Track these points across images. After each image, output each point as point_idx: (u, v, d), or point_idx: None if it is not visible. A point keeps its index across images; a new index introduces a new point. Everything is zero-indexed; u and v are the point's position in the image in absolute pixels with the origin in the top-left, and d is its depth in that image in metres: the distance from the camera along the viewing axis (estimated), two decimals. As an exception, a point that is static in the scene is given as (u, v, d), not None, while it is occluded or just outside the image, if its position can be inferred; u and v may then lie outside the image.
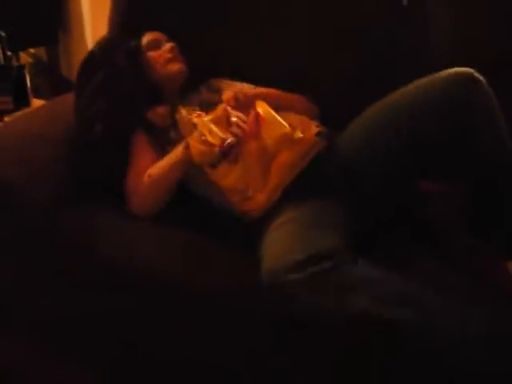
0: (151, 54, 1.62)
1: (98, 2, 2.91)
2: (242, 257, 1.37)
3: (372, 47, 1.73)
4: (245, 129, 1.39)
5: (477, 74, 1.24)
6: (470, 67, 1.26)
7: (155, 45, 1.64)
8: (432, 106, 1.26)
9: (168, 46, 1.63)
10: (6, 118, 1.96)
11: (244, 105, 1.45)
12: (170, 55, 1.59)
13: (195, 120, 1.44)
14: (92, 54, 1.66)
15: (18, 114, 1.99)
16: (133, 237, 1.43)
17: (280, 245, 1.22)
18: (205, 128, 1.38)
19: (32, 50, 3.70)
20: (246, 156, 1.40)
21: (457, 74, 1.25)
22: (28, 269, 1.51)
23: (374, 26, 1.73)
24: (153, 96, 1.57)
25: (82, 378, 1.52)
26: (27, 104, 2.08)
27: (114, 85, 1.55)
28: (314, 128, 1.43)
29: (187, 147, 1.40)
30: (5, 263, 1.54)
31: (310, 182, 1.39)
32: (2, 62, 2.02)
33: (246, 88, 1.60)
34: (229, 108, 1.41)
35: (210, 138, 1.36)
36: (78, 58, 3.25)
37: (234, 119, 1.39)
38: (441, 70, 1.29)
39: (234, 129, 1.38)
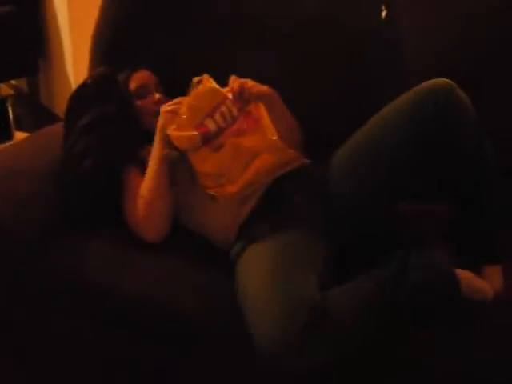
0: (139, 103, 1.63)
1: (78, 30, 2.91)
2: (225, 283, 1.36)
3: (349, 69, 1.75)
4: (228, 123, 1.43)
5: (450, 81, 1.30)
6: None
7: (143, 92, 1.65)
8: (418, 114, 1.30)
9: (155, 97, 1.63)
10: (-11, 152, 1.92)
11: (245, 99, 1.46)
12: (156, 108, 1.56)
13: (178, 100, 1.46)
14: (84, 89, 1.65)
15: (1, 147, 1.95)
16: (121, 265, 1.42)
17: (262, 309, 1.19)
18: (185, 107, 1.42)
19: (13, 82, 3.67)
20: (228, 148, 1.42)
21: (437, 83, 1.30)
22: (17, 299, 1.49)
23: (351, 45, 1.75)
24: (144, 137, 1.57)
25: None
26: (9, 137, 2.04)
27: (104, 128, 1.55)
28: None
29: (161, 132, 1.44)
30: None
31: (287, 205, 1.42)
32: (-17, 96, 1.98)
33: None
34: (229, 96, 1.44)
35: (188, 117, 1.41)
36: (59, 86, 3.31)
37: (223, 109, 1.42)
38: (414, 86, 1.34)
39: (218, 118, 1.42)
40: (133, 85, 1.65)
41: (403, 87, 1.40)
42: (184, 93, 1.48)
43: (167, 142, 1.45)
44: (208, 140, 1.43)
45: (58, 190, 1.54)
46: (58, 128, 1.72)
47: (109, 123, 1.55)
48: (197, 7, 1.84)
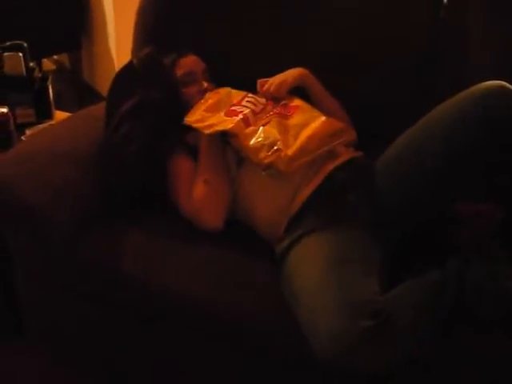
0: (186, 90, 1.58)
1: (121, 6, 2.88)
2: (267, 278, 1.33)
3: (411, 60, 1.67)
4: (259, 107, 1.49)
5: (507, 84, 1.21)
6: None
7: (189, 79, 1.60)
8: (465, 123, 1.22)
9: (203, 86, 1.58)
10: (28, 131, 1.90)
11: (276, 96, 1.52)
12: (201, 97, 1.54)
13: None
14: (129, 71, 1.60)
15: (41, 126, 1.92)
16: (158, 257, 1.38)
17: (321, 308, 1.14)
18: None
19: (55, 57, 3.67)
20: (274, 123, 1.43)
21: (487, 88, 1.22)
22: (52, 288, 1.50)
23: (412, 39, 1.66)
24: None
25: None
26: (50, 116, 2.00)
27: (149, 113, 1.50)
28: None
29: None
30: (30, 283, 1.55)
31: (340, 203, 1.36)
32: (24, 73, 1.94)
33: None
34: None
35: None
36: (101, 63, 3.29)
37: (248, 99, 1.52)
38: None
39: (246, 103, 1.49)
40: (179, 71, 1.60)
41: (466, 80, 1.31)
42: (234, 83, 1.52)
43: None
44: (249, 122, 1.44)
45: (99, 175, 1.50)
46: (99, 109, 1.68)
47: (153, 109, 1.50)
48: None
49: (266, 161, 1.35)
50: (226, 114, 1.46)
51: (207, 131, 1.42)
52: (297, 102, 1.52)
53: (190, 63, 1.62)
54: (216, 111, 1.47)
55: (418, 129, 1.33)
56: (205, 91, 1.56)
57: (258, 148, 1.38)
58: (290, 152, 1.36)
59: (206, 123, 1.44)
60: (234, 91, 1.55)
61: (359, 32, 1.69)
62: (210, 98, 1.50)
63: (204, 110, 1.47)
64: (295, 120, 1.45)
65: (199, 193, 1.42)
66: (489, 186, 1.33)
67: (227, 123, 1.42)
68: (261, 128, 1.42)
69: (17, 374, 1.65)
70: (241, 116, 1.44)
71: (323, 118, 1.44)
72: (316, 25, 1.72)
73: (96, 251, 1.41)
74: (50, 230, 1.39)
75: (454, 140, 1.23)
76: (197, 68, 1.62)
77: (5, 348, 1.71)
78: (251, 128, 1.42)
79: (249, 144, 1.39)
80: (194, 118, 1.46)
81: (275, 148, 1.36)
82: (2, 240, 1.49)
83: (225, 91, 1.54)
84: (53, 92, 2.06)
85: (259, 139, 1.39)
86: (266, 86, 1.54)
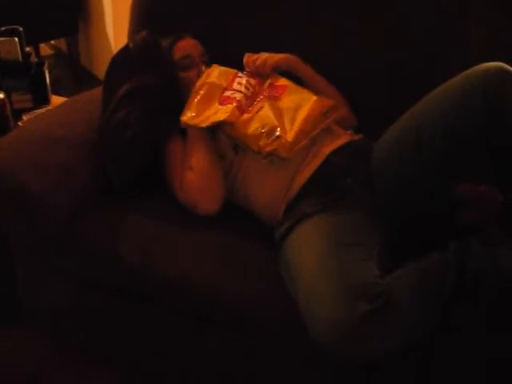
0: (183, 74, 1.56)
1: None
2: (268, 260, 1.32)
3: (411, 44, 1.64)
4: (251, 91, 1.47)
5: (506, 65, 1.20)
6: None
7: (187, 63, 1.58)
8: (465, 102, 1.21)
9: (202, 70, 1.55)
10: (25, 117, 1.89)
11: (264, 72, 1.51)
12: None
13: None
14: (125, 54, 1.58)
15: (38, 112, 1.91)
16: (157, 241, 1.38)
17: (321, 291, 1.13)
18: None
19: (52, 42, 3.64)
20: (268, 108, 1.41)
21: (487, 68, 1.21)
22: (50, 273, 1.51)
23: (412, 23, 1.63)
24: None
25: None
26: (46, 101, 1.99)
27: (145, 98, 1.48)
28: None
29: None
30: (28, 267, 1.56)
31: (338, 186, 1.35)
32: (20, 58, 1.93)
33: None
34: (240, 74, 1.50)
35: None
36: (98, 47, 3.27)
37: (239, 80, 1.49)
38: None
39: (237, 87, 1.47)
40: (177, 54, 1.58)
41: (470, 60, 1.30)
42: (233, 66, 1.49)
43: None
44: (243, 109, 1.42)
45: (96, 159, 1.49)
46: (95, 93, 1.67)
47: (150, 93, 1.49)
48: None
49: (268, 149, 1.35)
50: (220, 103, 1.44)
51: (203, 124, 1.40)
52: (283, 81, 1.50)
53: (187, 46, 1.60)
54: (209, 101, 1.45)
55: (416, 110, 1.32)
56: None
57: (257, 136, 1.37)
58: (290, 137, 1.36)
59: (202, 117, 1.42)
60: (222, 70, 1.52)
61: (361, 18, 1.67)
62: (201, 89, 1.47)
63: (197, 103, 1.45)
64: (286, 102, 1.44)
65: (187, 180, 1.42)
66: (490, 168, 1.30)
67: (222, 112, 1.40)
68: (256, 114, 1.41)
69: (17, 357, 1.66)
70: (235, 104, 1.42)
71: (314, 98, 1.44)
72: (317, 10, 1.70)
73: (94, 235, 1.41)
74: (47, 214, 1.39)
75: (452, 122, 1.22)
76: (194, 51, 1.60)
77: (5, 331, 1.72)
78: (246, 115, 1.41)
79: (247, 132, 1.38)
80: (189, 114, 1.44)
81: (276, 135, 1.35)
82: (-1, 224, 1.49)
83: (214, 72, 1.51)
84: (50, 77, 2.05)
85: (257, 127, 1.38)
86: (253, 58, 1.53)
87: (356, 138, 1.49)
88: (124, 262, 1.36)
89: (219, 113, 1.41)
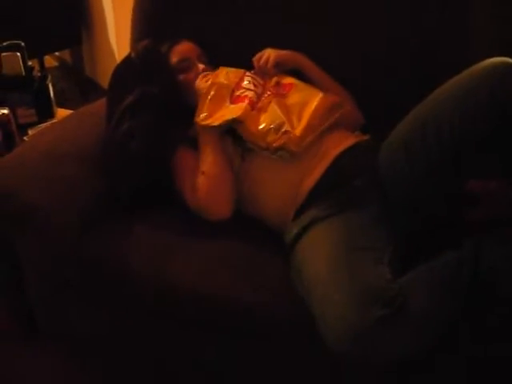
0: (182, 77, 1.55)
1: (120, 1, 2.84)
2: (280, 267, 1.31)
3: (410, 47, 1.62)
4: (260, 88, 1.49)
5: (509, 62, 1.17)
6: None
7: (185, 65, 1.57)
8: (471, 99, 1.19)
9: (199, 68, 1.55)
10: (31, 131, 1.89)
11: (268, 70, 1.52)
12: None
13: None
14: (127, 65, 1.58)
15: (43, 126, 1.91)
16: (166, 252, 1.36)
17: (333, 298, 1.12)
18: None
19: (57, 53, 3.65)
20: (275, 105, 1.42)
21: (493, 64, 1.19)
22: (60, 287, 1.49)
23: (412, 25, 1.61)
24: (192, 113, 1.48)
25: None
26: (51, 115, 1.99)
27: (149, 109, 1.48)
28: None
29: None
30: (39, 283, 1.55)
31: (347, 189, 1.34)
32: (24, 73, 1.92)
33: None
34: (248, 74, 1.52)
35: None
36: (102, 57, 3.27)
37: (247, 79, 1.50)
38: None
39: (247, 85, 1.48)
40: (174, 59, 1.57)
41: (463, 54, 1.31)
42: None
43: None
44: (254, 105, 1.44)
45: (103, 173, 1.48)
46: (100, 105, 1.66)
47: (153, 104, 1.48)
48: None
49: (276, 144, 1.36)
50: (232, 102, 1.45)
51: (217, 123, 1.40)
52: (289, 79, 1.51)
53: (183, 50, 1.59)
54: (221, 101, 1.45)
55: (422, 108, 1.30)
56: (204, 75, 1.53)
57: (265, 132, 1.37)
58: (297, 132, 1.37)
59: (214, 117, 1.42)
60: (230, 71, 1.52)
61: (362, 28, 1.66)
62: (211, 90, 1.46)
63: (209, 104, 1.44)
64: (293, 99, 1.45)
65: (200, 186, 1.41)
66: (500, 164, 1.29)
67: (236, 110, 1.41)
68: (263, 111, 1.42)
69: (30, 373, 1.65)
70: (247, 101, 1.43)
71: (321, 94, 1.45)
72: (316, 17, 1.68)
73: (104, 250, 1.39)
74: (56, 231, 1.38)
75: (459, 119, 1.20)
76: (191, 54, 1.59)
77: (18, 347, 1.71)
78: (254, 112, 1.42)
79: (255, 130, 1.38)
80: (202, 115, 1.43)
81: (283, 130, 1.36)
82: (9, 240, 1.48)
83: (222, 73, 1.51)
84: (56, 88, 2.05)
85: (265, 123, 1.38)
86: (258, 56, 1.55)
87: (363, 138, 1.47)
88: (136, 275, 1.35)
89: (233, 111, 1.41)
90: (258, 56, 1.55)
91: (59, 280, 1.47)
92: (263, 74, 1.53)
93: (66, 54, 3.68)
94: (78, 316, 1.52)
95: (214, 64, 1.59)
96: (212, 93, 1.46)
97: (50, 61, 3.65)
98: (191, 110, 1.48)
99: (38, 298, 1.57)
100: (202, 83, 1.50)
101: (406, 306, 1.07)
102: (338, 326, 1.07)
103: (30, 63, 1.99)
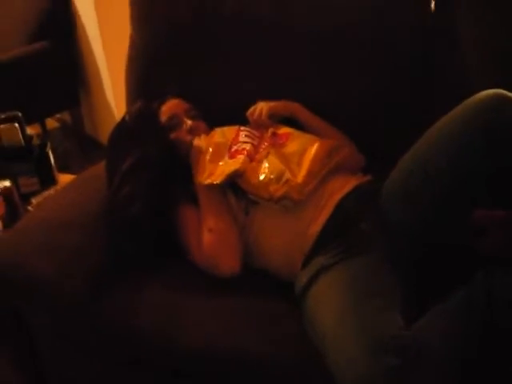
0: (174, 135, 1.56)
1: (114, 57, 2.91)
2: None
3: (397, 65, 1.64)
4: (257, 140, 1.50)
5: (504, 92, 1.17)
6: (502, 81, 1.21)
7: (174, 123, 1.58)
8: (465, 137, 1.18)
9: (188, 125, 1.56)
10: (34, 200, 1.90)
11: (263, 123, 1.53)
12: (191, 137, 1.53)
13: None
14: (122, 128, 1.60)
15: (46, 193, 1.93)
16: (178, 314, 1.34)
17: (343, 349, 1.10)
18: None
19: (57, 115, 3.70)
20: (273, 155, 1.43)
21: (486, 98, 1.18)
22: (72, 350, 1.49)
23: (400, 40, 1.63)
24: (188, 169, 1.50)
25: None
26: (53, 182, 2.00)
27: (148, 170, 1.48)
28: None
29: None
30: (49, 346, 1.54)
31: (353, 233, 1.33)
32: (23, 143, 1.94)
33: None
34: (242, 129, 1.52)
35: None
36: (101, 115, 3.31)
37: (243, 133, 1.51)
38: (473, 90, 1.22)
39: (244, 139, 1.49)
40: (163, 118, 1.59)
41: (458, 87, 1.30)
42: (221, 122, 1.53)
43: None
44: (252, 157, 1.45)
45: (108, 237, 1.48)
46: (100, 168, 1.67)
47: (151, 164, 1.49)
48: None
49: (279, 193, 1.35)
50: (230, 157, 1.46)
51: (219, 180, 1.40)
52: (285, 129, 1.53)
53: (170, 107, 1.60)
54: (220, 158, 1.46)
55: (420, 146, 1.30)
56: (191, 129, 1.56)
57: (266, 183, 1.37)
58: (299, 180, 1.37)
59: (216, 174, 1.42)
60: (225, 129, 1.54)
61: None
62: (210, 147, 1.48)
63: (209, 163, 1.45)
64: (291, 147, 1.46)
65: (207, 243, 1.40)
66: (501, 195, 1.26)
67: (235, 163, 1.41)
68: (264, 163, 1.42)
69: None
70: (245, 153, 1.44)
71: (318, 140, 1.47)
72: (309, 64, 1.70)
73: (115, 314, 1.38)
74: (64, 299, 1.37)
75: (456, 158, 1.19)
76: (178, 110, 1.60)
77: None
78: (254, 164, 1.42)
79: (256, 181, 1.38)
80: (204, 175, 1.44)
81: (285, 179, 1.36)
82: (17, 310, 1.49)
83: (217, 133, 1.53)
84: (59, 149, 2.06)
85: (265, 174, 1.38)
86: (251, 110, 1.57)
87: (364, 180, 1.46)
88: (148, 336, 1.33)
89: (232, 165, 1.41)
90: (251, 110, 1.56)
91: (69, 343, 1.47)
92: (259, 126, 1.54)
93: (66, 115, 3.74)
94: (87, 375, 1.51)
95: (203, 117, 1.62)
96: (210, 151, 1.46)
97: (51, 122, 3.70)
98: (187, 166, 1.50)
99: (48, 359, 1.56)
100: (199, 143, 1.51)
101: (421, 353, 1.04)
102: (351, 378, 1.06)
103: (28, 132, 2.01)
